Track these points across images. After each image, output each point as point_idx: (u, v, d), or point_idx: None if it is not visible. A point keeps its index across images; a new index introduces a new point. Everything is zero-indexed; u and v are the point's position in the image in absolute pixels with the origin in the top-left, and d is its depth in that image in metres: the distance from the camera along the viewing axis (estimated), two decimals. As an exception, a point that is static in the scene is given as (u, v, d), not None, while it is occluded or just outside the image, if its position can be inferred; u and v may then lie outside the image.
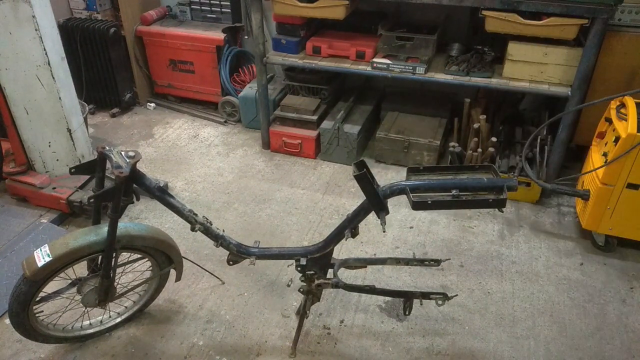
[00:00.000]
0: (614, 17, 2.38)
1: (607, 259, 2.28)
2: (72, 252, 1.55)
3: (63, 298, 1.77)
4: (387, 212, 1.49)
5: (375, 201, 1.47)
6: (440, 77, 2.56)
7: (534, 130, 2.48)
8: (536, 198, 2.62)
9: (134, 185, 1.57)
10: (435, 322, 1.97)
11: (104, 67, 3.37)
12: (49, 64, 2.33)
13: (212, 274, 2.13)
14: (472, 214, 2.57)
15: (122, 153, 1.53)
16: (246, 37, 3.49)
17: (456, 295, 2.00)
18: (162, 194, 1.61)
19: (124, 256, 1.76)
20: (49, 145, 2.50)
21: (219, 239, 1.71)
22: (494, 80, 2.48)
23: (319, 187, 2.80)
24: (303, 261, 1.72)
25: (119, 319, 1.93)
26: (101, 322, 1.91)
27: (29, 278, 1.54)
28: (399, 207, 2.57)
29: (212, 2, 3.40)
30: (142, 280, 1.86)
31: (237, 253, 1.75)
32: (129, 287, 1.83)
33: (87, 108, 2.99)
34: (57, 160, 2.56)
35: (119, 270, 1.74)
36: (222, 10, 3.40)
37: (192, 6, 3.48)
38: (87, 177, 2.52)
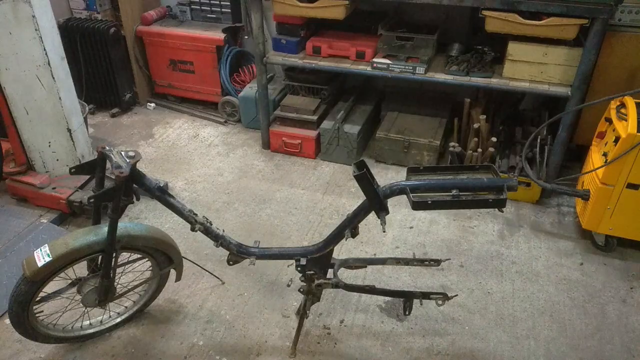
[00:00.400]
0: (614, 17, 2.38)
1: (607, 259, 2.28)
2: (72, 252, 1.55)
3: (63, 298, 1.77)
4: (387, 212, 1.49)
5: (375, 201, 1.47)
6: (440, 77, 2.56)
7: (534, 130, 2.48)
8: (536, 198, 2.62)
9: (134, 185, 1.56)
10: (435, 322, 1.97)
11: (104, 67, 3.37)
12: (49, 64, 2.33)
13: (212, 273, 2.13)
14: (472, 214, 2.57)
15: (122, 153, 1.53)
16: (246, 37, 3.49)
17: (456, 295, 2.00)
18: (162, 194, 1.61)
19: (124, 256, 1.76)
20: (49, 145, 2.50)
21: (219, 239, 1.71)
22: (494, 80, 2.48)
23: (319, 187, 2.80)
24: (303, 261, 1.72)
25: (119, 319, 1.93)
26: (101, 322, 1.91)
27: (29, 278, 1.54)
28: (399, 207, 2.57)
29: (212, 2, 3.40)
30: (142, 280, 1.86)
31: (237, 253, 1.75)
32: (129, 287, 1.83)
33: (87, 108, 2.99)
34: (57, 160, 2.56)
35: (119, 270, 1.74)
36: (222, 10, 3.40)
37: (192, 6, 3.48)
38: (87, 177, 2.52)
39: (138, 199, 1.60)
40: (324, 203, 2.66)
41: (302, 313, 1.82)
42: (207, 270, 2.13)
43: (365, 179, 1.43)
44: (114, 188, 1.49)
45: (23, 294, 1.58)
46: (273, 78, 3.38)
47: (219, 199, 2.66)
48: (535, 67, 2.41)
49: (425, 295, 1.84)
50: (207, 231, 1.69)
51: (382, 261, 1.89)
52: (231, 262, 1.76)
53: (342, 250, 2.31)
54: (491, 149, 2.50)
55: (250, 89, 3.24)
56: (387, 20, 2.79)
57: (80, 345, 1.87)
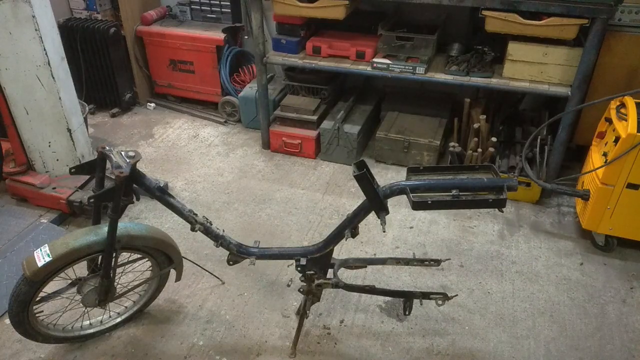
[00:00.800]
0: (614, 17, 2.38)
1: (607, 259, 2.28)
2: (72, 252, 1.55)
3: (63, 298, 1.77)
4: (387, 212, 1.49)
5: (375, 201, 1.47)
6: (440, 77, 2.56)
7: (534, 130, 2.48)
8: (536, 198, 2.62)
9: (134, 185, 1.56)
10: (435, 322, 1.97)
11: (104, 67, 3.37)
12: (49, 63, 2.32)
13: (212, 274, 2.13)
14: (472, 214, 2.57)
15: (122, 153, 1.52)
16: (246, 37, 3.48)
17: (456, 295, 2.00)
18: (162, 194, 1.61)
19: (124, 256, 1.76)
20: (49, 145, 2.50)
21: (219, 239, 1.71)
22: (494, 80, 2.48)
23: (319, 187, 2.80)
24: (303, 261, 1.72)
25: (119, 319, 1.93)
26: (101, 322, 1.91)
27: (29, 278, 1.54)
28: (398, 207, 2.57)
29: (212, 2, 3.40)
30: (142, 280, 1.86)
31: (237, 253, 1.75)
32: (129, 287, 1.83)
33: (87, 108, 2.99)
34: (57, 160, 2.56)
35: (119, 270, 1.74)
36: (222, 10, 3.40)
37: (192, 6, 3.48)
38: (87, 177, 2.52)
39: (138, 199, 1.60)
40: (324, 203, 2.66)
41: (302, 313, 1.82)
42: (207, 270, 2.13)
43: (365, 179, 1.43)
44: (114, 188, 1.49)
45: (23, 293, 1.58)
46: (273, 78, 3.38)
47: (218, 199, 2.66)
48: (535, 67, 2.41)
49: (425, 295, 1.84)
50: (207, 231, 1.69)
51: (382, 261, 1.89)
52: (231, 262, 1.76)
53: (342, 250, 2.31)
54: (491, 149, 2.50)
55: (250, 89, 3.24)
56: (387, 20, 2.79)
57: (80, 346, 1.87)
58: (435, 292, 1.84)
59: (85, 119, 2.79)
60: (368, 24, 2.89)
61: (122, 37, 3.38)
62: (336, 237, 1.65)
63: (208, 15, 3.46)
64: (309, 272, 1.72)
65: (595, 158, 2.26)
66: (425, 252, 2.30)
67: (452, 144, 2.60)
